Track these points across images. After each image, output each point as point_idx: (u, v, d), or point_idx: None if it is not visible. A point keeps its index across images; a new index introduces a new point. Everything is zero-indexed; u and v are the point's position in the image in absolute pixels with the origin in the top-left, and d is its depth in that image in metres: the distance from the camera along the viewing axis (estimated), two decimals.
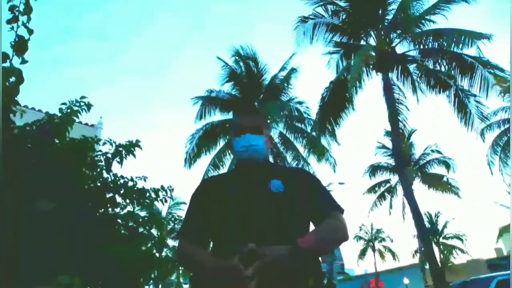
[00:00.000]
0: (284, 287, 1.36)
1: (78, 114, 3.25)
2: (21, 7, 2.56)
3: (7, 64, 2.52)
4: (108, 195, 3.67)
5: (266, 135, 1.79)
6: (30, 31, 2.53)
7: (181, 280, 27.55)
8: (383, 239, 36.78)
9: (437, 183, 24.23)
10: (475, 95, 13.41)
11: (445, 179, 24.42)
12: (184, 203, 23.98)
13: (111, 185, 3.44)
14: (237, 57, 16.69)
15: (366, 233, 36.94)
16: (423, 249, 21.56)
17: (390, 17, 14.84)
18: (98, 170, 3.43)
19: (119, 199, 3.80)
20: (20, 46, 2.50)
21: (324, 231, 1.57)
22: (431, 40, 13.79)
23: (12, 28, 2.53)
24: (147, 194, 3.68)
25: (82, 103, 3.28)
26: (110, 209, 3.76)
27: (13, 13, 2.54)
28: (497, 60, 13.01)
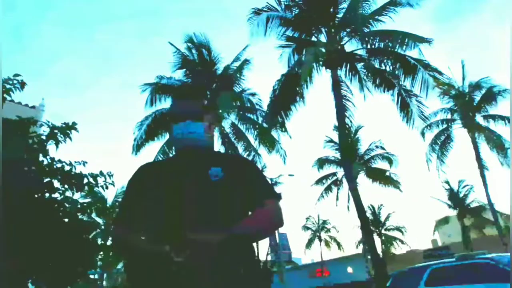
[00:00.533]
0: (214, 273, 1.37)
1: (11, 93, 3.12)
2: None
3: None
4: (45, 180, 3.57)
5: (207, 122, 1.73)
6: None
7: None
8: (329, 230, 38.10)
9: (380, 177, 25.41)
10: (416, 95, 14.21)
11: (387, 173, 25.66)
12: None
13: (47, 168, 3.35)
14: (190, 44, 16.51)
15: (313, 223, 38.05)
16: (365, 240, 22.61)
17: (340, 15, 15.27)
18: (34, 153, 3.32)
19: (57, 184, 3.71)
20: None
21: (258, 217, 1.58)
22: (378, 40, 14.38)
23: None
24: (85, 180, 3.61)
25: (15, 81, 3.15)
26: (47, 194, 3.67)
27: None
28: (435, 63, 13.85)
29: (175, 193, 1.55)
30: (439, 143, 23.48)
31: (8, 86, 3.08)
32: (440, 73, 13.72)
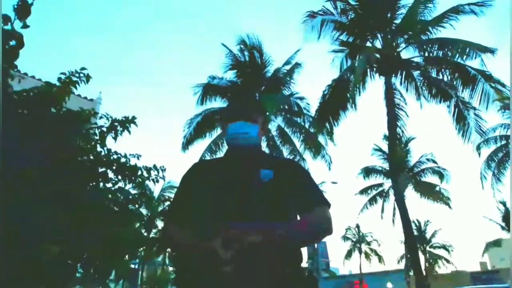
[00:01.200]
0: (260, 272, 1.36)
1: (77, 85, 3.24)
2: None
3: (8, 26, 2.51)
4: (100, 169, 3.66)
5: (260, 124, 1.76)
6: None
7: (167, 262, 27.72)
8: (370, 242, 37.04)
9: (429, 192, 24.37)
10: (475, 108, 13.45)
11: (437, 188, 24.57)
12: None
13: (104, 159, 3.44)
14: (242, 46, 16.64)
15: (354, 234, 37.16)
16: (409, 256, 21.74)
17: (398, 21, 14.80)
18: (92, 143, 3.43)
19: (111, 175, 3.80)
20: (23, 10, 2.48)
21: (307, 222, 1.57)
22: (436, 49, 13.77)
23: None
24: (139, 172, 3.68)
25: (81, 74, 3.27)
26: (101, 183, 3.76)
27: None
28: (499, 75, 12.98)
29: (226, 191, 1.58)
30: (496, 160, 22.05)
31: (74, 79, 3.19)
32: (503, 85, 12.86)
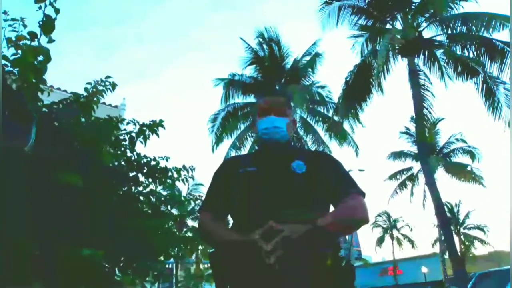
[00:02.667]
0: (302, 264, 1.38)
1: (104, 94, 3.30)
2: None
3: (35, 43, 2.58)
4: (131, 174, 3.74)
5: (290, 118, 1.79)
6: (57, 10, 2.57)
7: (201, 259, 28.09)
8: (402, 227, 36.50)
9: (460, 172, 23.78)
10: (504, 83, 12.94)
11: (469, 168, 23.94)
12: (203, 185, 24.27)
13: (135, 163, 3.51)
14: (260, 39, 16.61)
15: (384, 221, 36.68)
16: (443, 238, 21.33)
17: (417, 0, 14.38)
18: (122, 149, 3.50)
19: (142, 178, 3.88)
20: (48, 25, 2.55)
21: (343, 211, 1.58)
22: (459, 24, 13.34)
23: (40, 7, 2.58)
24: (169, 173, 3.74)
25: (107, 83, 3.33)
26: (133, 187, 3.85)
27: None
28: None
29: (259, 184, 1.60)
30: None
31: (100, 88, 3.26)
32: None
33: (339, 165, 1.77)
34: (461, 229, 32.93)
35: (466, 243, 32.60)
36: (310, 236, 1.39)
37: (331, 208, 1.66)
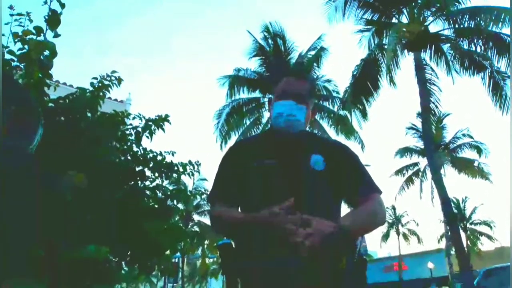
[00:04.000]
0: (322, 262, 1.35)
1: (109, 89, 3.31)
2: None
3: (41, 38, 2.59)
4: (137, 169, 3.75)
5: (309, 107, 1.66)
6: (62, 5, 2.57)
7: (207, 253, 28.22)
8: (407, 222, 36.38)
9: (468, 167, 23.65)
10: None
11: (476, 163, 23.79)
12: (206, 179, 24.29)
13: (141, 158, 3.52)
14: (266, 33, 16.52)
15: (390, 215, 36.56)
16: (449, 234, 21.24)
17: None
18: (128, 143, 3.50)
19: (148, 173, 3.88)
20: (53, 20, 2.55)
21: (366, 218, 1.53)
22: (467, 19, 13.19)
23: (46, 2, 2.58)
24: (175, 168, 3.74)
25: (113, 78, 3.33)
26: (139, 182, 3.86)
27: None
28: None
29: (274, 177, 1.52)
30: None
31: (106, 83, 3.26)
32: None
33: (357, 159, 1.70)
34: (468, 225, 32.78)
35: (473, 238, 32.47)
36: (335, 234, 1.34)
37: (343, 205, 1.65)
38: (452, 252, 20.18)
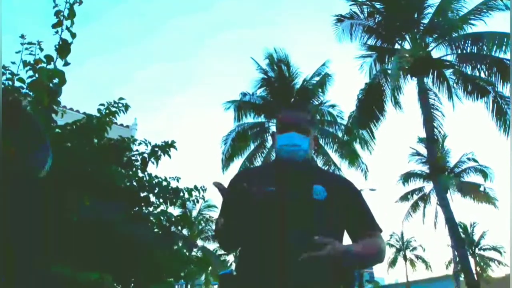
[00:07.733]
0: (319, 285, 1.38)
1: (116, 115, 3.35)
2: (65, 12, 2.68)
3: (51, 66, 2.65)
4: (142, 194, 3.75)
5: (311, 136, 1.69)
6: (73, 35, 2.64)
7: (210, 280, 27.77)
8: (415, 248, 35.74)
9: (473, 192, 23.38)
10: None
11: (481, 188, 23.54)
12: (215, 206, 24.25)
13: (146, 184, 3.52)
14: (270, 60, 16.77)
15: (397, 241, 36.00)
16: (457, 259, 20.82)
17: (426, 21, 14.48)
18: (134, 169, 3.52)
19: (153, 198, 3.88)
20: (64, 49, 2.62)
21: (370, 248, 1.56)
22: (469, 44, 13.33)
23: (57, 32, 2.66)
24: (181, 194, 3.74)
25: (120, 104, 3.38)
26: (144, 208, 3.85)
27: (58, 17, 2.66)
28: None
29: (277, 207, 1.52)
30: None
31: (113, 109, 3.31)
32: None
33: (360, 196, 1.71)
34: (477, 250, 32.14)
35: (482, 264, 31.77)
36: (335, 260, 1.37)
37: (345, 235, 1.64)
38: (461, 278, 19.75)
